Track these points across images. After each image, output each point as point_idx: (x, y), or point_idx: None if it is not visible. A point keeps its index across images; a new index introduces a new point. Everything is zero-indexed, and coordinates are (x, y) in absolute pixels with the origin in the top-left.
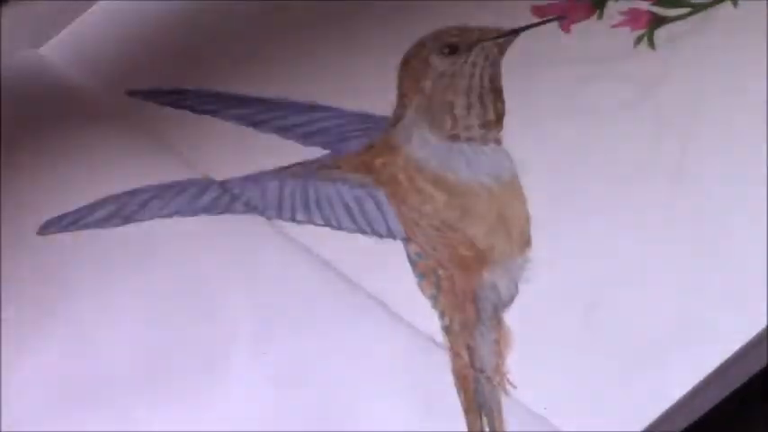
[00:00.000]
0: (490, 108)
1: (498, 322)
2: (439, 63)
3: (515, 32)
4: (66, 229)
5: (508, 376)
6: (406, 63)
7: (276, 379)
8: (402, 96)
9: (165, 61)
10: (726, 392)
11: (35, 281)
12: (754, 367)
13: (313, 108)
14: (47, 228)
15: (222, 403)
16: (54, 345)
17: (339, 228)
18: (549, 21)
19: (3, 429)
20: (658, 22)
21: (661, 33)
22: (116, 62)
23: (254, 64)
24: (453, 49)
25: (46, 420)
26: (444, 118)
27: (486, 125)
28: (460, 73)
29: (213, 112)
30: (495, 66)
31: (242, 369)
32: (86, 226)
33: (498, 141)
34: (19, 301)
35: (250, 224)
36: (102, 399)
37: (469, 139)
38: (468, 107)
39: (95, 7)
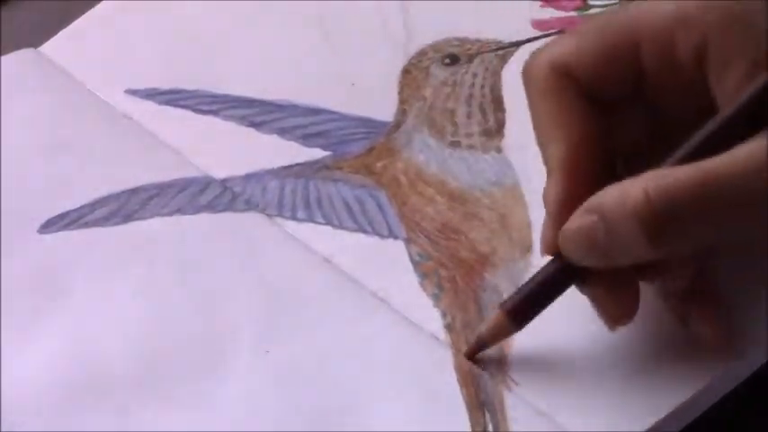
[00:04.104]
0: (491, 117)
1: None
2: (439, 72)
3: (516, 45)
4: (67, 227)
5: (510, 374)
6: (406, 72)
7: (278, 377)
8: (403, 103)
9: (165, 61)
10: (726, 392)
11: (36, 280)
12: (754, 367)
13: (314, 111)
14: (48, 226)
15: (223, 402)
16: (54, 344)
17: (340, 227)
18: (549, 35)
19: (3, 429)
20: None
21: None
22: (116, 62)
23: (255, 67)
24: (454, 60)
25: (46, 420)
26: (445, 125)
27: (486, 133)
28: (461, 82)
29: (213, 113)
30: (495, 76)
31: (243, 367)
32: (87, 224)
33: (499, 150)
34: (20, 300)
35: (251, 222)
36: (102, 398)
37: (470, 147)
38: (469, 115)
39: (95, 7)
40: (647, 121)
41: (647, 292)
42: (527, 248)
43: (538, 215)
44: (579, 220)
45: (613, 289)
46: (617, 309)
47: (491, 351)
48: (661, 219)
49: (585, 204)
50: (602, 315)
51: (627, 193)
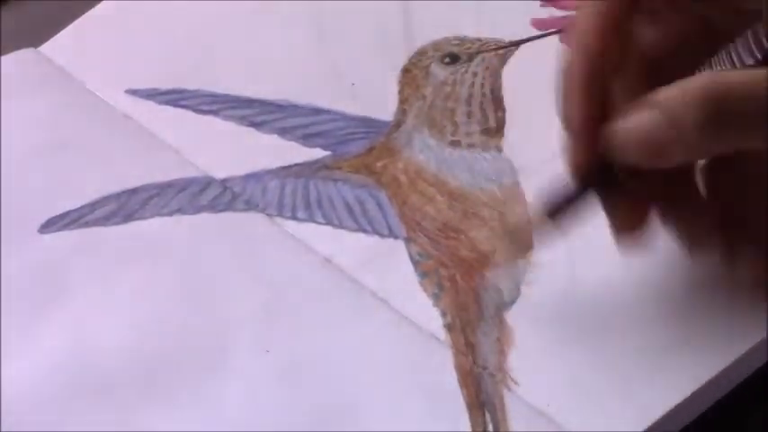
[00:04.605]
0: (491, 116)
1: (500, 321)
2: (439, 72)
3: (516, 45)
4: (67, 227)
5: (511, 374)
6: (406, 71)
7: (278, 377)
8: (403, 102)
9: (165, 61)
10: (726, 392)
11: (36, 279)
12: (753, 367)
13: (314, 111)
14: (48, 226)
15: (223, 401)
16: (55, 344)
17: (340, 226)
18: (548, 34)
19: (3, 429)
20: None
21: None
22: (116, 62)
23: (255, 66)
24: (454, 59)
25: (46, 419)
26: (445, 124)
27: (486, 132)
28: (461, 81)
29: (213, 113)
30: (495, 76)
31: (243, 367)
32: (88, 224)
33: (499, 149)
34: (20, 300)
35: (251, 222)
36: (103, 397)
37: (470, 146)
38: (469, 115)
39: (95, 7)
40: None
41: (645, 290)
42: (527, 247)
43: None
44: (637, 116)
45: (631, 204)
46: (630, 224)
47: (491, 352)
48: (723, 109)
49: (640, 102)
50: (615, 228)
51: (687, 87)
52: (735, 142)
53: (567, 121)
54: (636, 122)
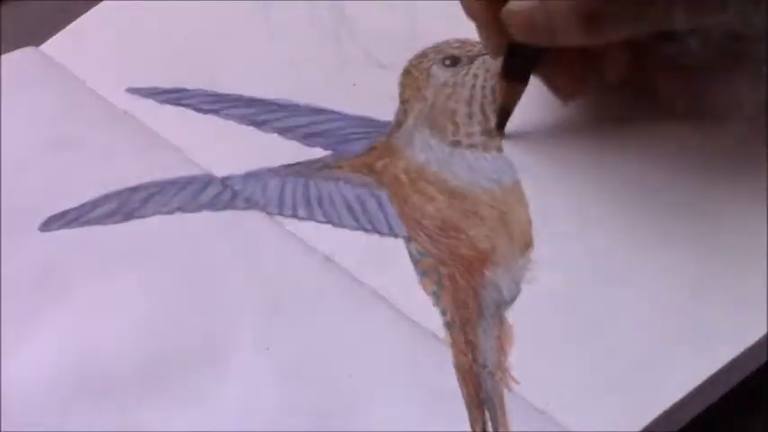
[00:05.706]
0: (492, 117)
1: (500, 319)
2: (440, 74)
3: None
4: (68, 225)
5: (510, 372)
6: (407, 73)
7: (278, 375)
8: (404, 103)
9: (166, 60)
10: (726, 392)
11: (36, 278)
12: (753, 367)
13: (315, 110)
14: (49, 224)
15: (224, 399)
16: (55, 343)
17: (340, 225)
18: None
19: (3, 429)
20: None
21: None
22: (116, 60)
23: (256, 66)
24: (455, 61)
25: (46, 419)
26: (446, 124)
27: (487, 133)
28: (462, 83)
29: (214, 111)
30: (496, 78)
31: (244, 365)
32: (88, 222)
33: (500, 149)
34: (20, 299)
35: (251, 220)
36: (103, 396)
37: (471, 146)
38: (470, 115)
39: (97, 6)
40: None
41: (645, 289)
42: (527, 246)
43: (539, 213)
44: (520, 2)
45: (563, 68)
46: (567, 86)
47: (491, 350)
48: (595, 13)
49: None
50: (553, 91)
51: None
52: (611, 37)
53: (471, 13)
54: (518, 8)
